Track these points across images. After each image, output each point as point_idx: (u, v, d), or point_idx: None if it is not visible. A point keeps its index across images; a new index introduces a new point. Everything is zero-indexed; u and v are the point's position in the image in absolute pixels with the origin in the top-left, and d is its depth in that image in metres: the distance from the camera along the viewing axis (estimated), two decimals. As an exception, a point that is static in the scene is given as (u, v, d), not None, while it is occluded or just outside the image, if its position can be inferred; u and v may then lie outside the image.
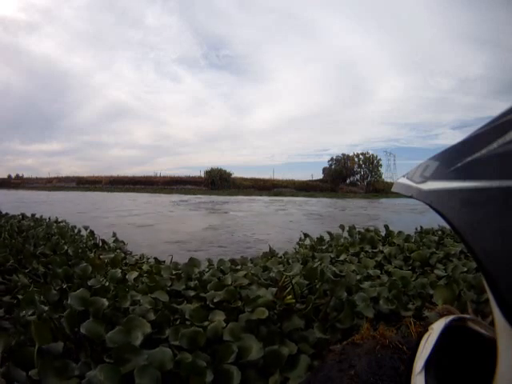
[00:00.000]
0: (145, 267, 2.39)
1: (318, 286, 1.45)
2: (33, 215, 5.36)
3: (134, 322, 1.15)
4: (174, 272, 1.92)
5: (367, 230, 3.43)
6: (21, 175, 50.75)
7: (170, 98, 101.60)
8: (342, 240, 3.20)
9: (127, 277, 1.86)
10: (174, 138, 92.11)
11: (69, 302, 1.26)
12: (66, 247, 2.76)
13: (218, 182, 40.53)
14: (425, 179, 0.40)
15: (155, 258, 2.86)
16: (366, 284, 1.64)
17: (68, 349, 1.14)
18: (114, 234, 4.04)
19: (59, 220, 5.21)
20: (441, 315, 0.75)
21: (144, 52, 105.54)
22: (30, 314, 1.28)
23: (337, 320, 1.26)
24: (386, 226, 3.41)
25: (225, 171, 42.45)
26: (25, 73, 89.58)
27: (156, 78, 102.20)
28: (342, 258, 2.52)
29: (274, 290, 1.48)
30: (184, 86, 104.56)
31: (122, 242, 3.98)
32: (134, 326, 1.14)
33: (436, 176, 0.38)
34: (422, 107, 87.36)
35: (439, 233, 3.51)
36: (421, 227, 3.87)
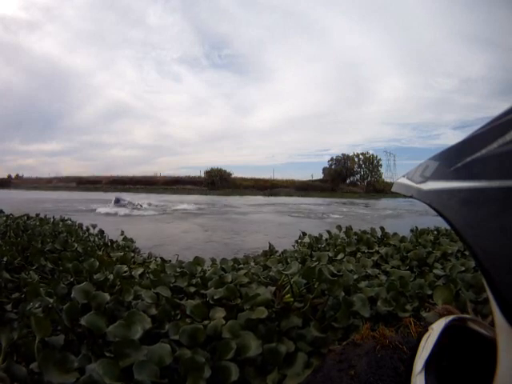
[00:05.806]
0: (152, 266, 2.42)
1: (316, 286, 1.45)
2: (37, 215, 5.34)
3: (135, 317, 1.15)
4: (178, 270, 1.94)
5: (364, 232, 3.46)
6: (21, 175, 50.81)
7: (171, 98, 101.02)
8: (339, 240, 3.21)
9: (133, 273, 1.88)
10: (175, 138, 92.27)
11: (72, 295, 1.26)
12: (75, 245, 2.76)
13: (217, 182, 40.61)
14: (425, 179, 0.40)
15: (161, 258, 2.92)
16: (363, 284, 1.64)
17: (70, 341, 1.14)
18: (123, 233, 4.06)
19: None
20: (441, 315, 0.75)
21: (145, 51, 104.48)
22: (36, 306, 1.28)
23: (333, 319, 1.27)
24: (382, 228, 3.46)
25: (225, 171, 42.52)
26: (25, 72, 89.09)
27: (157, 78, 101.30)
28: (339, 257, 2.52)
29: (273, 288, 1.48)
30: (185, 86, 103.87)
31: (131, 239, 3.99)
32: (135, 320, 1.14)
33: (436, 176, 0.38)
34: (424, 107, 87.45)
35: (434, 233, 3.52)
36: (416, 227, 3.87)
